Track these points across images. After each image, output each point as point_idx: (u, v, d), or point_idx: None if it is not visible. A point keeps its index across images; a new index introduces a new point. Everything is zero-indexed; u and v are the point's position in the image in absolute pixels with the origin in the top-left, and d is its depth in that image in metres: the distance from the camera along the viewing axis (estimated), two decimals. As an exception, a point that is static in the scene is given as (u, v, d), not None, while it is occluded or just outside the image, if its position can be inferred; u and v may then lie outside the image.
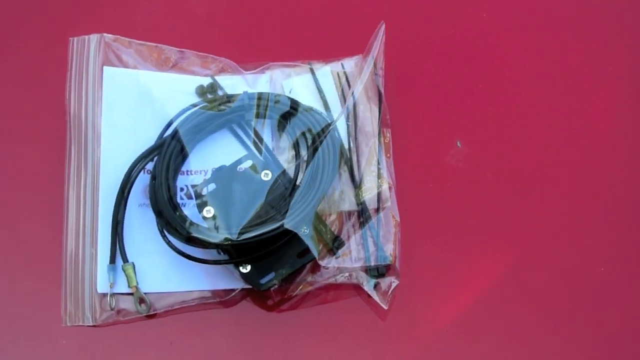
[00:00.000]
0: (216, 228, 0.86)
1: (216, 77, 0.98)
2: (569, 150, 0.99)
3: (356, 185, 0.92)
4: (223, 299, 0.90)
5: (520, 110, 1.01)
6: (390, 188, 0.93)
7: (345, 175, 0.93)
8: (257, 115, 0.95)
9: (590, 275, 0.93)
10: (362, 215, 0.91)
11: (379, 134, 0.95)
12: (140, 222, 0.91)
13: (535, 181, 0.98)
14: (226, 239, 0.85)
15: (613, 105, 1.02)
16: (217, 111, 0.94)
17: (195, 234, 0.85)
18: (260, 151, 0.94)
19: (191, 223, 0.86)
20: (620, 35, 1.06)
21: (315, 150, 0.91)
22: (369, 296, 0.89)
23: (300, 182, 0.89)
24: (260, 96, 0.95)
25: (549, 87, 1.03)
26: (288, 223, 0.85)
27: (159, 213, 0.88)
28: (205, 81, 0.97)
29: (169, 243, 0.87)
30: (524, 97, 1.02)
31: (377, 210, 0.92)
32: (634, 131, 1.01)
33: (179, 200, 0.91)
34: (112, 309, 0.89)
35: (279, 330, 0.90)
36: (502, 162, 0.98)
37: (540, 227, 0.95)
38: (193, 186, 0.92)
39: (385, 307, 0.89)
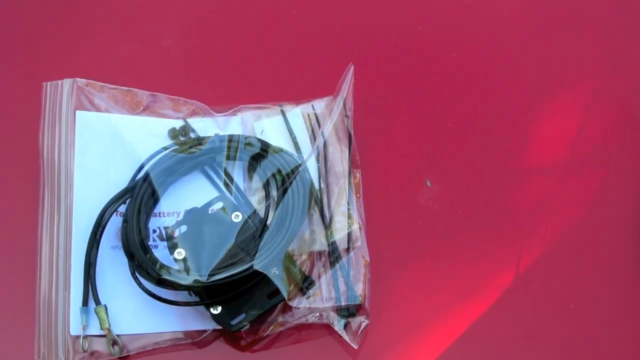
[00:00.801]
0: (186, 270, 0.86)
1: (188, 120, 0.99)
2: (540, 190, 1.00)
3: (326, 225, 0.93)
4: (195, 340, 0.90)
5: (490, 150, 1.02)
6: (360, 228, 0.93)
7: (316, 215, 0.93)
8: (228, 157, 0.95)
9: (562, 313, 0.94)
10: (333, 255, 0.92)
11: (349, 174, 0.96)
12: (113, 264, 0.92)
13: (506, 220, 0.98)
14: (196, 281, 0.85)
15: (579, 144, 1.03)
16: (188, 154, 0.95)
17: (165, 277, 0.86)
18: (231, 192, 0.95)
19: (162, 266, 0.87)
20: (599, 59, 1.08)
21: (285, 191, 0.91)
22: (340, 336, 0.90)
23: (269, 223, 0.90)
24: (230, 138, 0.95)
25: (518, 125, 1.03)
26: (257, 264, 0.86)
27: (130, 256, 0.88)
28: (178, 124, 0.98)
29: (140, 285, 0.88)
30: (493, 137, 1.03)
31: (348, 250, 0.92)
32: (614, 158, 1.02)
33: (151, 242, 0.91)
34: (85, 351, 0.89)
35: (252, 371, 0.90)
36: (472, 201, 0.99)
37: (512, 267, 0.95)
38: (165, 228, 0.92)
39: (355, 347, 0.89)
